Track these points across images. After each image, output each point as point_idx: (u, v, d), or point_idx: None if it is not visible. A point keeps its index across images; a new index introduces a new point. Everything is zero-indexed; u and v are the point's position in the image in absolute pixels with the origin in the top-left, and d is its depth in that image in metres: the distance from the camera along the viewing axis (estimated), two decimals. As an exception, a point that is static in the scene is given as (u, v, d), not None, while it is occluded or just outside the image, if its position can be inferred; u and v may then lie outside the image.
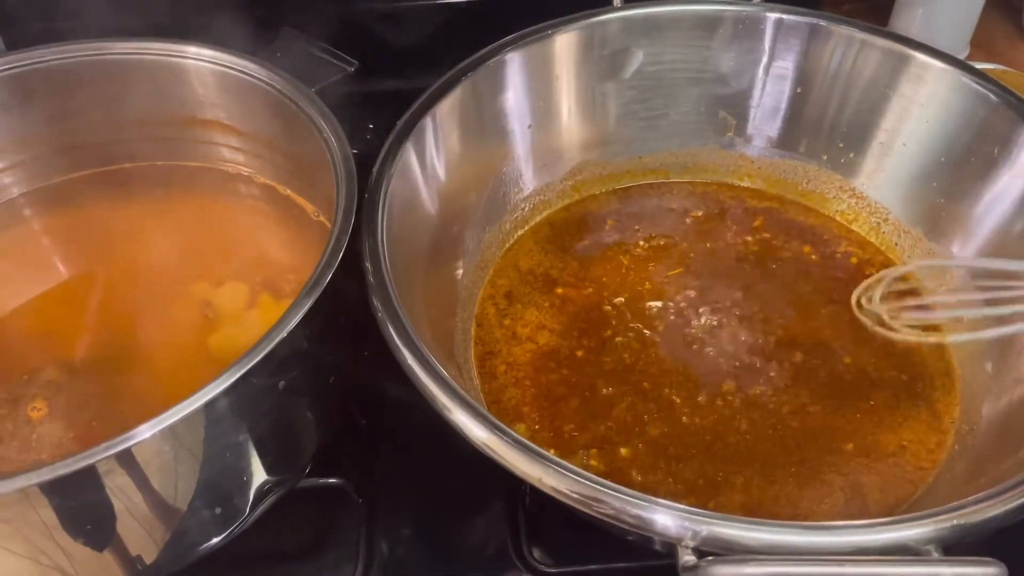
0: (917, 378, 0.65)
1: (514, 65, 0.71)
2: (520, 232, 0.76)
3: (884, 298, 0.66)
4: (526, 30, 0.71)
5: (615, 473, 0.59)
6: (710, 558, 0.42)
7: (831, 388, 0.64)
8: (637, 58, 0.75)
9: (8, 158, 0.69)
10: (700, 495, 0.58)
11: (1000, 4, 1.02)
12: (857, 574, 0.40)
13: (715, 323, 0.68)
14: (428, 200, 0.67)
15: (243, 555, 0.58)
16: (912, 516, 0.43)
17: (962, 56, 0.92)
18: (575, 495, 0.45)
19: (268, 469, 0.53)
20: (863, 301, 0.66)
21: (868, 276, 0.69)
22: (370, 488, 0.62)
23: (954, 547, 0.43)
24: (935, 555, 0.42)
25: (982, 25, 0.92)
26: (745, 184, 0.80)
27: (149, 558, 0.51)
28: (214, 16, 0.75)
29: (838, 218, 0.77)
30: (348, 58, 0.69)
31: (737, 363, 0.65)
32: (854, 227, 0.76)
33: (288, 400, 0.53)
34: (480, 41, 0.70)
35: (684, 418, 0.62)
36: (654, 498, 0.44)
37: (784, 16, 0.73)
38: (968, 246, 0.68)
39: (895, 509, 0.57)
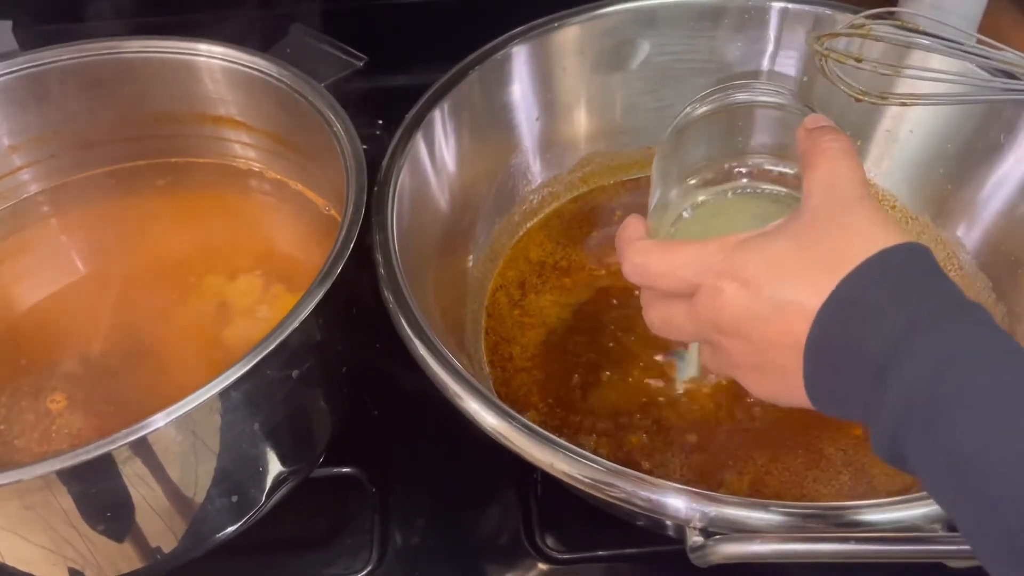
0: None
1: (521, 58, 0.71)
2: (530, 223, 0.76)
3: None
4: (533, 23, 0.72)
5: (624, 459, 0.59)
6: (717, 537, 0.42)
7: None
8: (643, 49, 0.75)
9: (26, 156, 0.70)
10: (708, 478, 0.58)
11: (1008, -9, 1.01)
12: (862, 551, 0.41)
13: (724, 311, 0.68)
14: (438, 192, 0.67)
15: (259, 543, 0.59)
16: (918, 496, 0.43)
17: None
18: (587, 479, 0.45)
19: (282, 458, 0.54)
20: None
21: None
22: (383, 477, 0.63)
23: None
24: (941, 533, 0.42)
25: (989, 11, 0.92)
26: (752, 173, 0.80)
27: (167, 546, 0.52)
28: (225, 13, 0.76)
29: (846, 206, 0.76)
30: (357, 53, 0.70)
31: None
32: (861, 215, 0.76)
33: (301, 390, 0.53)
34: (487, 35, 0.71)
35: (692, 404, 0.62)
36: (664, 481, 0.44)
37: (789, 5, 0.73)
38: (973, 230, 0.68)
39: (901, 494, 0.58)
